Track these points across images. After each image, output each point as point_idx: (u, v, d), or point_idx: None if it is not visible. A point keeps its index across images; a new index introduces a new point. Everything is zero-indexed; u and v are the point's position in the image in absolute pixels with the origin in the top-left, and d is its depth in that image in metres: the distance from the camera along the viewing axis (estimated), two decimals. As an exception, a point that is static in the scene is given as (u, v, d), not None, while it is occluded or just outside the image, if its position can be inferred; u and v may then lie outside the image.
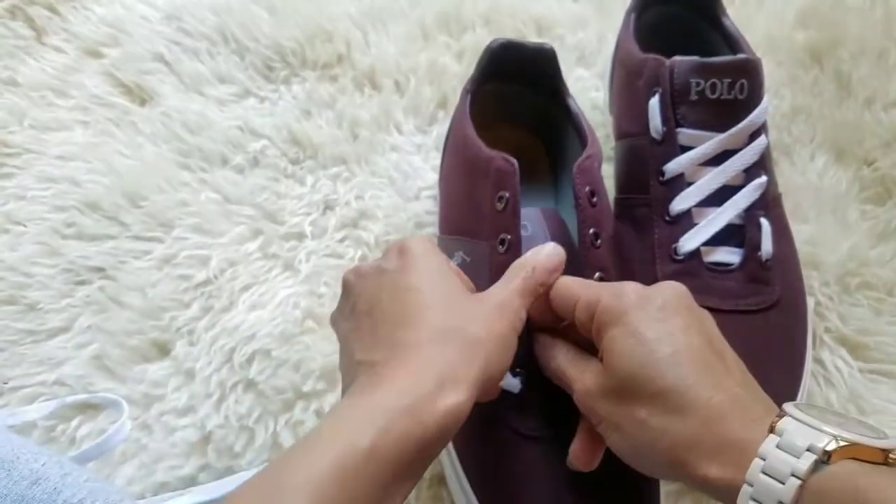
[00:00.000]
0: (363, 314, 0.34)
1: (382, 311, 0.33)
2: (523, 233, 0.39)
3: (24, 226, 0.53)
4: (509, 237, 0.38)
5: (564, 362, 0.35)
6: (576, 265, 0.38)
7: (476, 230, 0.41)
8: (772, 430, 0.27)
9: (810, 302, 0.48)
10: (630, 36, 0.51)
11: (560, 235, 0.41)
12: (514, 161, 0.39)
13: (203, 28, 0.62)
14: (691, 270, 0.42)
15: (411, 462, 0.28)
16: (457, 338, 0.31)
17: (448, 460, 0.42)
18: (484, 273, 0.39)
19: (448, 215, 0.47)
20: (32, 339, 0.50)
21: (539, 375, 0.37)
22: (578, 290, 0.35)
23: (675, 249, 0.43)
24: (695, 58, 0.44)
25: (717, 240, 0.43)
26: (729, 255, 0.43)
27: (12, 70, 0.60)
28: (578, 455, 0.35)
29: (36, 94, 0.59)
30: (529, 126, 0.52)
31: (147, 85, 0.60)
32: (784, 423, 0.27)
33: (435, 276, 0.34)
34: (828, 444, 0.26)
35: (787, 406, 0.28)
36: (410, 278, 0.34)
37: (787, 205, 0.49)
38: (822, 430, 0.26)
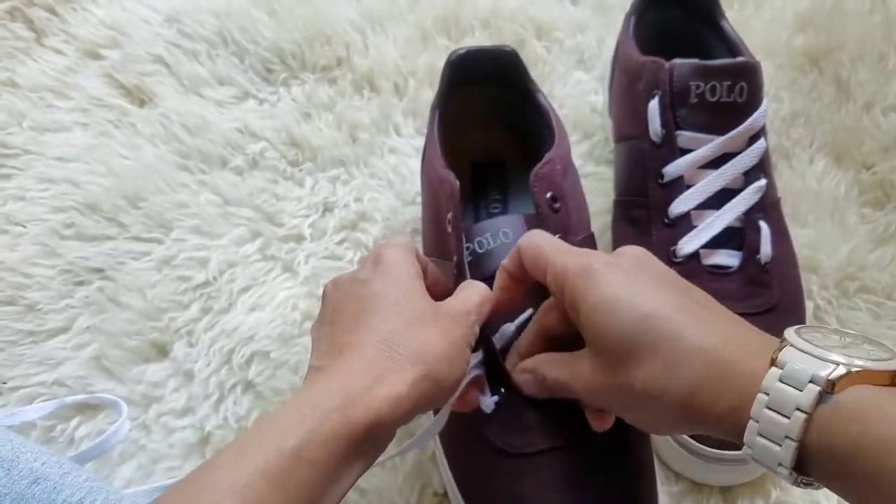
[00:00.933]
0: (327, 323, 0.34)
1: (342, 318, 0.33)
2: (504, 239, 0.39)
3: (24, 226, 0.53)
4: (456, 258, 0.38)
5: (554, 371, 0.35)
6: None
7: (441, 250, 0.41)
8: (773, 362, 0.26)
9: (809, 306, 0.48)
10: (629, 39, 0.51)
11: None
12: (456, 182, 0.39)
13: (203, 30, 0.62)
14: (690, 273, 0.42)
15: (344, 459, 0.28)
16: (402, 341, 0.31)
17: (446, 477, 0.42)
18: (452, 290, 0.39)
19: (425, 234, 0.47)
20: (31, 340, 0.50)
21: (517, 393, 0.37)
22: (547, 256, 0.34)
23: (675, 252, 0.43)
24: (694, 60, 0.44)
25: (717, 242, 0.43)
26: (728, 258, 0.43)
27: (11, 71, 0.60)
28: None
29: (35, 96, 0.59)
30: (503, 127, 0.51)
31: (146, 87, 0.60)
32: (785, 354, 0.26)
33: (399, 283, 0.34)
34: (831, 373, 0.24)
35: (789, 333, 0.27)
36: (375, 286, 0.33)
37: (787, 208, 0.49)
38: (825, 360, 0.25)
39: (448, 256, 0.39)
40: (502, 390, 0.37)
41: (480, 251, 0.39)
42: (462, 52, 0.45)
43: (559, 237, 0.37)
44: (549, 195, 0.39)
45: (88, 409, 0.47)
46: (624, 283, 0.31)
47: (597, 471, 0.37)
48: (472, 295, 0.35)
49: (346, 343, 0.31)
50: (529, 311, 0.38)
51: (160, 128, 0.58)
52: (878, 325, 0.49)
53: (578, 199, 0.43)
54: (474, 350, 0.35)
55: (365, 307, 0.33)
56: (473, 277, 0.38)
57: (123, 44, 0.61)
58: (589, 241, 0.42)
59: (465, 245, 0.39)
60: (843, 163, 0.56)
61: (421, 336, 0.31)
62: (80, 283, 0.51)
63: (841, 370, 0.25)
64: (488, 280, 0.37)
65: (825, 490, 0.42)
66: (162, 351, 0.49)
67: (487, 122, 0.50)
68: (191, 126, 0.57)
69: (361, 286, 0.34)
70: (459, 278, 0.38)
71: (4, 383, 0.48)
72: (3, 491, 0.35)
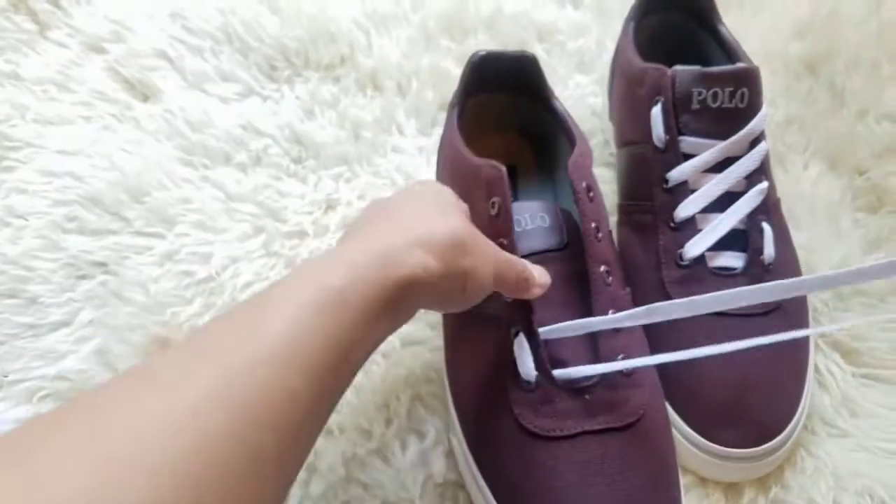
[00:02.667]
0: (364, 213, 0.36)
1: (380, 208, 0.35)
2: (542, 223, 0.41)
3: (26, 219, 0.53)
4: (505, 241, 0.39)
5: None
6: (579, 257, 0.40)
7: None
8: None
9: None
10: (630, 44, 0.52)
11: (561, 225, 0.42)
12: (502, 167, 0.40)
13: (207, 26, 0.62)
14: (697, 276, 0.43)
15: (381, 310, 0.29)
16: (438, 217, 0.33)
17: (465, 464, 0.42)
18: None
19: None
20: (33, 333, 0.49)
21: (550, 378, 0.38)
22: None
23: (681, 255, 0.44)
24: (696, 67, 0.45)
25: (721, 245, 0.44)
26: (733, 260, 0.44)
27: (15, 64, 0.60)
28: None
29: (38, 89, 0.59)
30: (518, 132, 0.52)
31: (150, 81, 0.60)
32: None
33: (437, 187, 0.38)
34: None
35: None
36: (414, 190, 0.37)
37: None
38: None
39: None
40: (538, 372, 0.38)
41: (519, 230, 0.41)
42: (483, 53, 0.46)
43: (594, 226, 0.40)
44: (584, 184, 0.40)
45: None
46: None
47: (630, 455, 0.38)
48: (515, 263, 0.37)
49: (384, 217, 0.33)
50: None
51: (163, 123, 0.58)
52: (871, 328, 0.50)
53: (601, 195, 0.44)
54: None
55: (403, 199, 0.35)
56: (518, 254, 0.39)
57: (127, 38, 0.61)
58: (611, 237, 0.43)
59: None
60: (837, 168, 0.58)
61: (456, 223, 0.33)
62: (83, 277, 0.51)
63: None
64: (529, 258, 0.39)
65: (820, 489, 0.43)
66: (165, 345, 0.49)
67: (502, 126, 0.51)
68: (194, 122, 0.57)
69: (401, 193, 0.36)
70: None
71: (6, 376, 0.48)
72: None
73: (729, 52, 0.51)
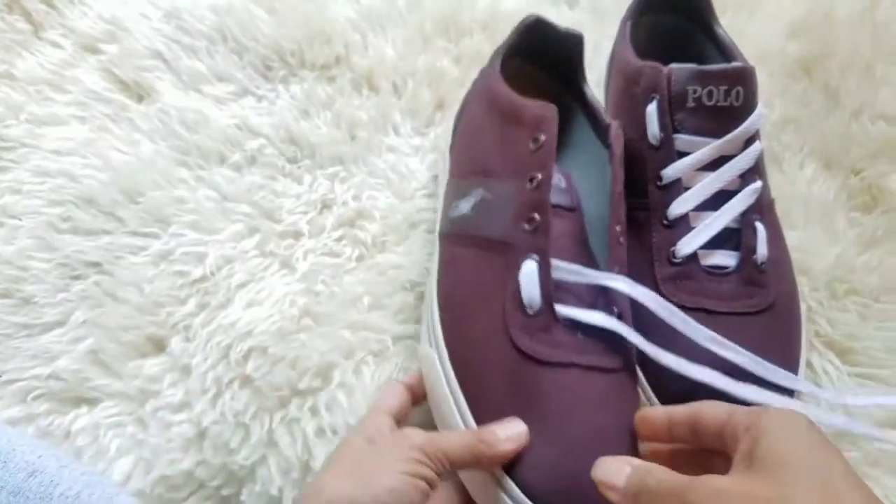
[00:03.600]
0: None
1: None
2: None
3: (20, 219, 0.53)
4: (539, 176, 0.41)
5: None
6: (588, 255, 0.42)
7: (502, 171, 0.43)
8: None
9: (801, 307, 0.48)
10: (626, 43, 0.52)
11: (573, 190, 0.43)
12: (554, 106, 0.42)
13: (202, 27, 0.62)
14: (689, 273, 0.43)
15: None
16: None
17: (442, 375, 0.42)
18: (508, 207, 0.42)
19: (468, 159, 0.49)
20: (27, 333, 0.49)
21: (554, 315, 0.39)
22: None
23: (674, 253, 0.44)
24: (692, 65, 0.45)
25: (714, 243, 0.44)
26: (725, 259, 0.44)
27: (9, 64, 0.60)
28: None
29: (33, 89, 0.59)
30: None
31: (145, 82, 0.60)
32: None
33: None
34: None
35: None
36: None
37: (777, 212, 0.49)
38: None
39: (519, 174, 0.42)
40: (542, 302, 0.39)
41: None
42: (536, 17, 0.49)
43: (620, 192, 0.42)
44: (620, 151, 0.43)
45: (85, 402, 0.47)
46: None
47: (608, 398, 0.39)
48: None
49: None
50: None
51: (158, 123, 0.58)
52: (865, 327, 0.50)
53: None
54: None
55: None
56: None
57: (122, 38, 0.61)
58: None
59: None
60: (833, 168, 0.58)
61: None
62: (77, 277, 0.51)
63: None
64: None
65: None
66: (159, 346, 0.49)
67: (532, 93, 0.51)
68: (189, 122, 0.57)
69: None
70: (541, 195, 0.40)
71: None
72: (0, 483, 0.35)
73: (725, 52, 0.51)
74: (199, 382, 0.47)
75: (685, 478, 0.31)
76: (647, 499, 0.32)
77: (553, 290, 0.39)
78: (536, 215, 0.40)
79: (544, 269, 0.39)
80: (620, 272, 0.41)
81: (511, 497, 0.37)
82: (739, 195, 0.44)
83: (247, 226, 0.53)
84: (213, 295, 0.50)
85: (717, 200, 0.44)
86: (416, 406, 0.44)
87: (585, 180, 0.44)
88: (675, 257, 0.44)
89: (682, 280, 0.43)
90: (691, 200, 0.44)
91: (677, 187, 0.44)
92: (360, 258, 0.53)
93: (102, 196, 0.54)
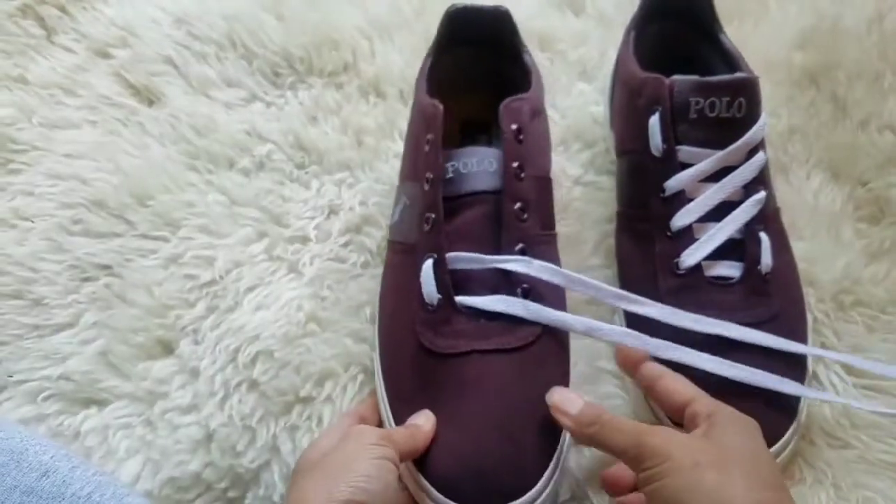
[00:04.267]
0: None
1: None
2: (488, 168, 0.43)
3: (32, 222, 0.54)
4: (431, 175, 0.42)
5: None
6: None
7: (412, 173, 0.46)
8: None
9: (808, 318, 0.48)
10: (630, 54, 0.52)
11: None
12: (440, 105, 0.43)
13: (212, 33, 0.63)
14: (693, 284, 0.43)
15: None
16: None
17: (377, 376, 0.45)
18: (416, 210, 0.44)
19: (402, 163, 0.51)
20: (38, 334, 0.50)
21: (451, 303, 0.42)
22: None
23: (677, 264, 0.44)
24: (694, 77, 0.45)
25: (718, 254, 0.44)
26: (729, 269, 0.44)
27: (22, 68, 0.61)
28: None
29: (45, 93, 0.60)
30: (492, 89, 0.52)
31: (155, 87, 0.61)
32: None
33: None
34: None
35: None
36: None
37: (784, 222, 0.50)
38: None
39: (420, 177, 0.44)
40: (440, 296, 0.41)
41: (463, 171, 0.43)
42: (460, 5, 0.49)
43: (516, 166, 0.43)
44: (514, 126, 0.43)
45: (95, 403, 0.48)
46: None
47: (512, 377, 0.40)
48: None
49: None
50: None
51: (168, 128, 0.58)
52: (872, 339, 0.50)
53: (542, 145, 0.47)
54: None
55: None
56: (449, 194, 0.43)
57: (133, 44, 0.62)
58: (545, 183, 0.46)
59: (450, 164, 0.44)
60: (840, 179, 0.58)
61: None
62: (87, 280, 0.52)
63: None
64: (462, 197, 0.43)
65: (821, 499, 0.44)
66: (168, 348, 0.50)
67: (477, 81, 0.52)
68: (199, 127, 0.58)
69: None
70: (434, 193, 0.42)
71: (10, 377, 0.49)
72: (13, 483, 0.35)
73: (730, 61, 0.51)
74: (208, 385, 0.48)
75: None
76: (599, 430, 0.37)
77: (453, 281, 0.42)
78: (432, 214, 0.42)
79: (440, 265, 0.42)
80: (523, 251, 0.42)
81: (424, 490, 0.39)
82: (743, 206, 0.44)
83: (255, 230, 0.54)
84: (221, 298, 0.51)
85: (721, 211, 0.44)
86: None
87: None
88: (678, 269, 0.44)
89: (687, 291, 0.43)
90: (695, 212, 0.44)
91: (680, 199, 0.45)
92: (365, 265, 0.53)
93: (113, 199, 0.54)
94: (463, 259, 0.42)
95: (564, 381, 0.43)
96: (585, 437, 0.38)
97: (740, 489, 0.32)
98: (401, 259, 0.46)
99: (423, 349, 0.42)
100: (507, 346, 0.41)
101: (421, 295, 0.42)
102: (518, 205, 0.42)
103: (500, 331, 0.41)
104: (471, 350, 0.41)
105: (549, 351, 0.42)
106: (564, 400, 0.39)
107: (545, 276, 0.42)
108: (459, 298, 0.41)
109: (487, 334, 0.41)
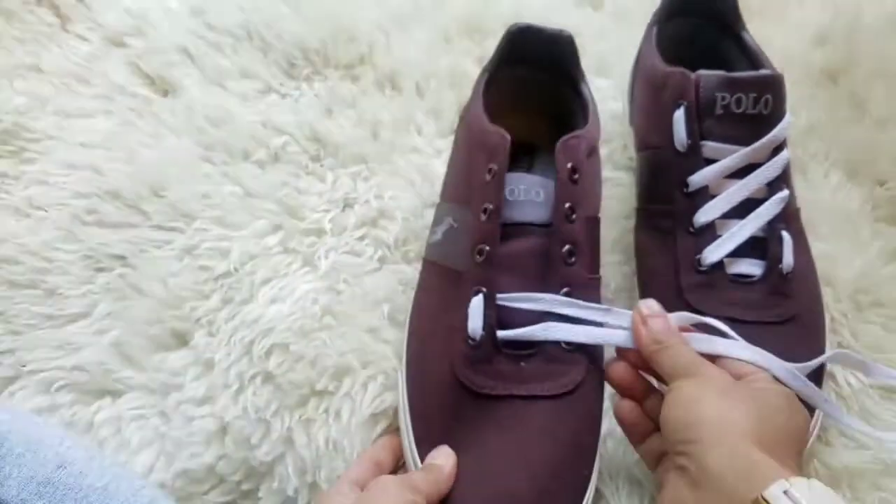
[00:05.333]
0: None
1: None
2: (535, 198, 0.42)
3: (46, 211, 0.54)
4: (490, 206, 0.41)
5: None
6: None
7: (467, 198, 0.43)
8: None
9: (825, 318, 0.48)
10: (653, 48, 0.51)
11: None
12: (507, 136, 0.41)
13: (228, 23, 0.62)
14: (714, 282, 0.43)
15: None
16: None
17: (402, 386, 0.44)
18: (466, 237, 0.42)
19: (447, 182, 0.49)
20: (51, 324, 0.50)
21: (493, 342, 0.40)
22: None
23: (699, 261, 0.44)
24: (720, 72, 0.44)
25: (740, 252, 0.43)
26: (751, 267, 0.44)
27: (36, 56, 0.60)
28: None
29: (59, 81, 0.59)
30: (543, 112, 0.52)
31: (170, 77, 0.60)
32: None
33: None
34: None
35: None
36: None
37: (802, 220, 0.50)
38: None
39: (475, 204, 0.42)
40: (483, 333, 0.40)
41: (510, 199, 0.42)
42: (523, 25, 0.47)
43: (568, 207, 0.41)
44: (569, 165, 0.41)
45: (108, 394, 0.48)
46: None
47: (549, 425, 0.40)
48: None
49: None
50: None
51: (183, 118, 0.58)
52: (890, 339, 0.50)
53: (595, 184, 0.45)
54: None
55: None
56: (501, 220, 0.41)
57: (148, 33, 0.62)
58: (594, 223, 0.44)
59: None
60: (858, 178, 0.57)
61: None
62: (102, 270, 0.52)
63: None
64: (507, 226, 0.41)
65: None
66: (182, 340, 0.49)
67: (529, 102, 0.51)
68: (214, 118, 0.58)
69: None
70: (492, 225, 0.41)
71: (24, 366, 0.48)
72: (30, 474, 0.35)
73: (752, 58, 0.50)
74: (222, 377, 0.47)
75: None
76: (660, 351, 0.39)
77: (496, 320, 0.40)
78: (487, 247, 0.41)
79: (489, 301, 0.40)
80: (569, 293, 0.41)
81: None
82: (766, 203, 0.44)
83: (270, 222, 0.54)
84: (236, 290, 0.51)
85: (744, 208, 0.44)
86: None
87: None
88: (700, 265, 0.44)
89: (708, 288, 0.43)
90: (718, 208, 0.44)
91: (704, 194, 0.44)
92: (381, 259, 0.53)
93: (127, 189, 0.54)
94: (513, 298, 0.41)
95: (597, 426, 0.42)
96: (646, 354, 0.39)
97: (745, 419, 0.34)
98: (441, 283, 0.44)
99: (457, 383, 0.40)
100: (547, 393, 0.40)
101: (465, 328, 0.40)
102: (567, 247, 0.41)
103: (541, 376, 0.40)
104: (509, 394, 0.40)
105: (588, 398, 0.41)
106: (652, 313, 0.40)
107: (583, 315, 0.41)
108: (501, 333, 0.40)
109: (526, 379, 0.40)
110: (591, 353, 0.42)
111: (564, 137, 0.42)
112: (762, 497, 0.30)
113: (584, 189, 0.42)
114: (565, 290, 0.41)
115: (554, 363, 0.40)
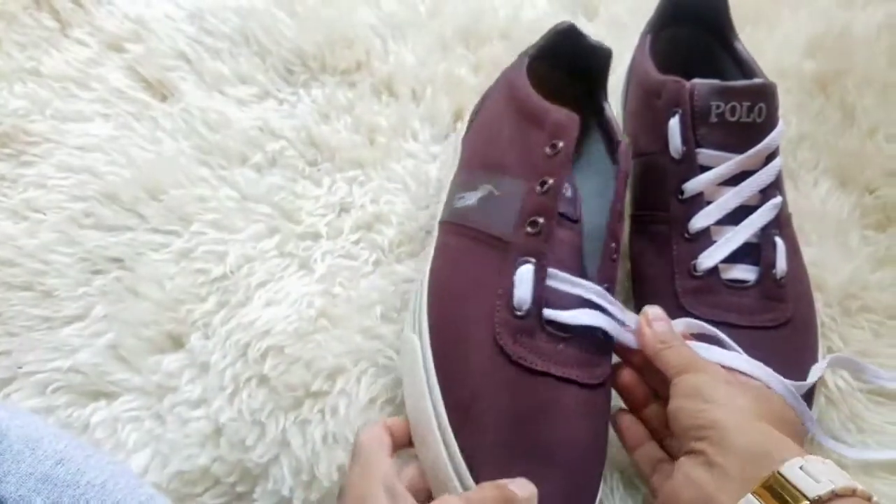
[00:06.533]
0: None
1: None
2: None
3: (44, 214, 0.54)
4: (551, 181, 0.41)
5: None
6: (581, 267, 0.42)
7: (514, 169, 0.44)
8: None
9: (816, 322, 0.49)
10: (647, 56, 0.52)
11: (578, 201, 0.43)
12: (577, 116, 0.42)
13: (225, 29, 0.63)
14: (709, 287, 0.44)
15: None
16: None
17: (422, 369, 0.42)
18: (514, 207, 0.42)
19: (482, 151, 0.49)
20: (48, 326, 0.50)
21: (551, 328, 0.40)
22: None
23: (695, 266, 0.45)
24: (715, 81, 0.45)
25: (735, 257, 0.44)
26: (745, 273, 0.44)
27: (36, 60, 0.60)
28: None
29: (58, 85, 0.59)
30: (575, 107, 0.53)
31: (168, 81, 0.60)
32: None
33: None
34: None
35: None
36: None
37: (792, 227, 0.50)
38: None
39: (530, 176, 0.42)
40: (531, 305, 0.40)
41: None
42: (569, 24, 0.51)
43: (619, 207, 0.43)
44: (624, 171, 0.43)
45: (104, 396, 0.48)
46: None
47: (576, 414, 0.40)
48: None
49: None
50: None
51: (181, 123, 0.58)
52: (878, 344, 0.51)
53: None
54: None
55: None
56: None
57: (146, 38, 0.62)
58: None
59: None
60: (847, 186, 0.58)
61: None
62: (98, 272, 0.52)
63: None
64: None
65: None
66: (178, 342, 0.49)
67: (557, 99, 0.51)
68: (211, 122, 0.58)
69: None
70: (550, 200, 0.41)
71: (20, 368, 0.48)
72: (29, 471, 0.35)
73: (744, 67, 0.51)
74: (217, 379, 0.48)
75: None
76: (663, 350, 0.40)
77: (543, 295, 0.40)
78: (541, 219, 0.41)
79: (540, 274, 0.40)
80: (610, 288, 0.42)
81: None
82: (760, 210, 0.44)
83: (267, 226, 0.54)
84: (232, 293, 0.51)
85: (738, 215, 0.44)
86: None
87: (589, 193, 0.45)
88: (695, 270, 0.44)
89: (703, 293, 0.44)
90: (713, 214, 0.44)
91: (699, 201, 0.45)
92: (376, 262, 0.53)
93: (125, 193, 0.54)
94: (559, 277, 0.41)
95: (605, 434, 0.43)
96: (651, 352, 0.41)
97: (751, 404, 0.36)
98: (477, 247, 0.43)
99: (500, 351, 0.40)
100: (581, 381, 0.40)
101: (509, 296, 0.40)
102: (613, 244, 0.42)
103: (577, 362, 0.40)
104: (547, 372, 0.40)
105: (609, 395, 0.43)
106: (657, 317, 0.42)
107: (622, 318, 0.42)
108: (548, 312, 0.40)
109: (564, 361, 0.40)
110: (610, 352, 0.43)
111: (624, 143, 0.44)
112: (778, 473, 0.32)
113: (622, 225, 0.44)
114: (606, 285, 0.42)
115: (587, 353, 0.41)
